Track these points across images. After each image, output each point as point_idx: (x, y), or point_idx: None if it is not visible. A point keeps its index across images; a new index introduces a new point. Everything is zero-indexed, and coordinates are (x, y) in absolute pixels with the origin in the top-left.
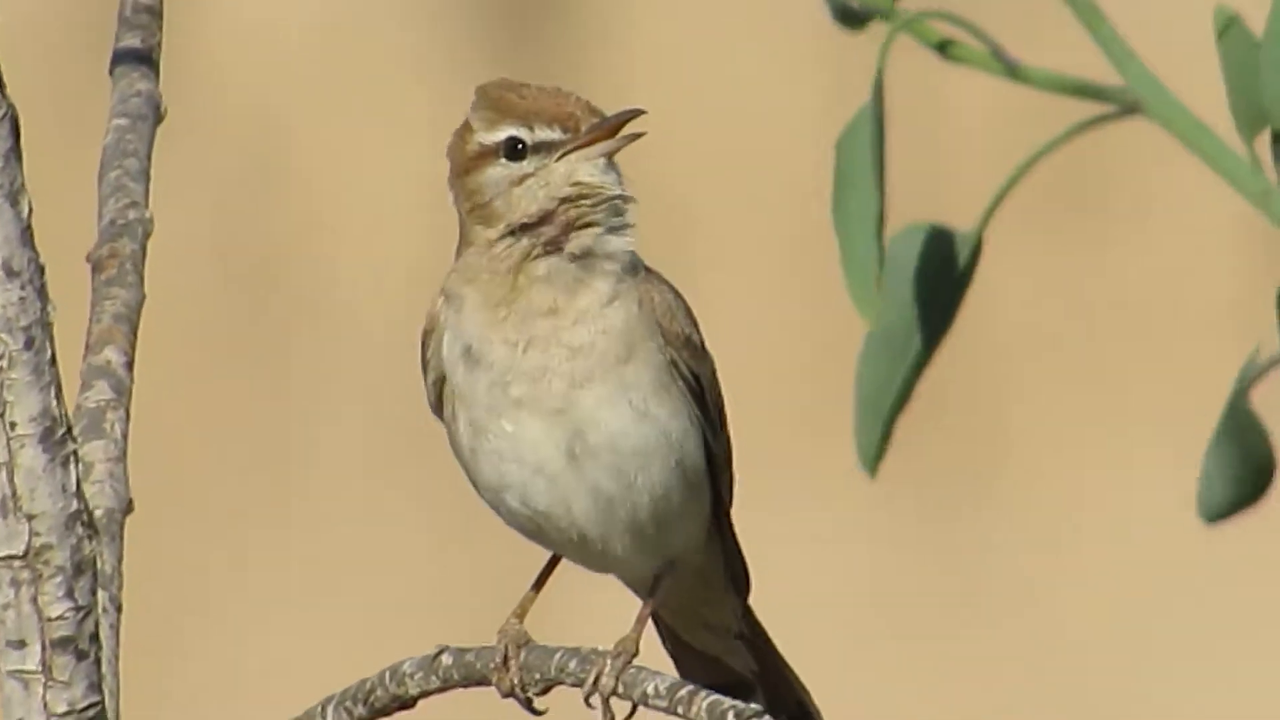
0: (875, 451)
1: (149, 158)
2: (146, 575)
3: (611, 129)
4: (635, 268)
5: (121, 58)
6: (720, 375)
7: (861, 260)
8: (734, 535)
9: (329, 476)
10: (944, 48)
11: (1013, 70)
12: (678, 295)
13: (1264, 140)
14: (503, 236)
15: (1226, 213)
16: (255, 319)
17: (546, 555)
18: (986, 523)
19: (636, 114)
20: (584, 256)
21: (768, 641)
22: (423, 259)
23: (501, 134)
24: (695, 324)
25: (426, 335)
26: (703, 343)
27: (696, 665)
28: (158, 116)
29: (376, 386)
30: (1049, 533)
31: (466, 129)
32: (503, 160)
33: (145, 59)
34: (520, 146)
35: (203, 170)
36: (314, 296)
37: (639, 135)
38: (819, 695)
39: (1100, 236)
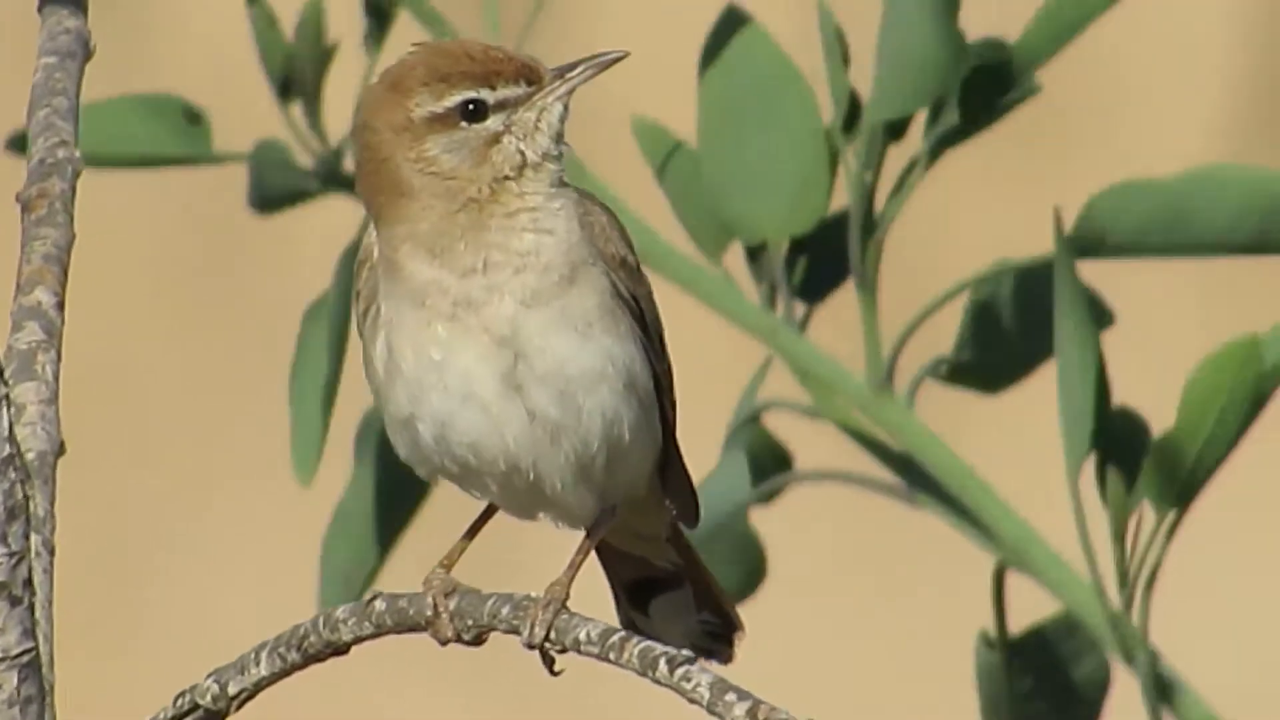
0: None
1: (78, 96)
2: (79, 518)
3: (598, 68)
4: (567, 189)
5: None
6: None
7: (308, 429)
8: (681, 460)
9: (262, 419)
10: None
11: None
12: (613, 216)
13: (735, 256)
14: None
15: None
16: (192, 260)
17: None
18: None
19: (621, 56)
20: (523, 186)
21: (687, 542)
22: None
23: (456, 98)
24: (630, 246)
25: (360, 265)
26: (638, 264)
27: (622, 563)
28: (87, 54)
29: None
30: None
31: (397, 98)
32: (461, 124)
33: None
34: (477, 107)
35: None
36: (255, 232)
37: (619, 56)
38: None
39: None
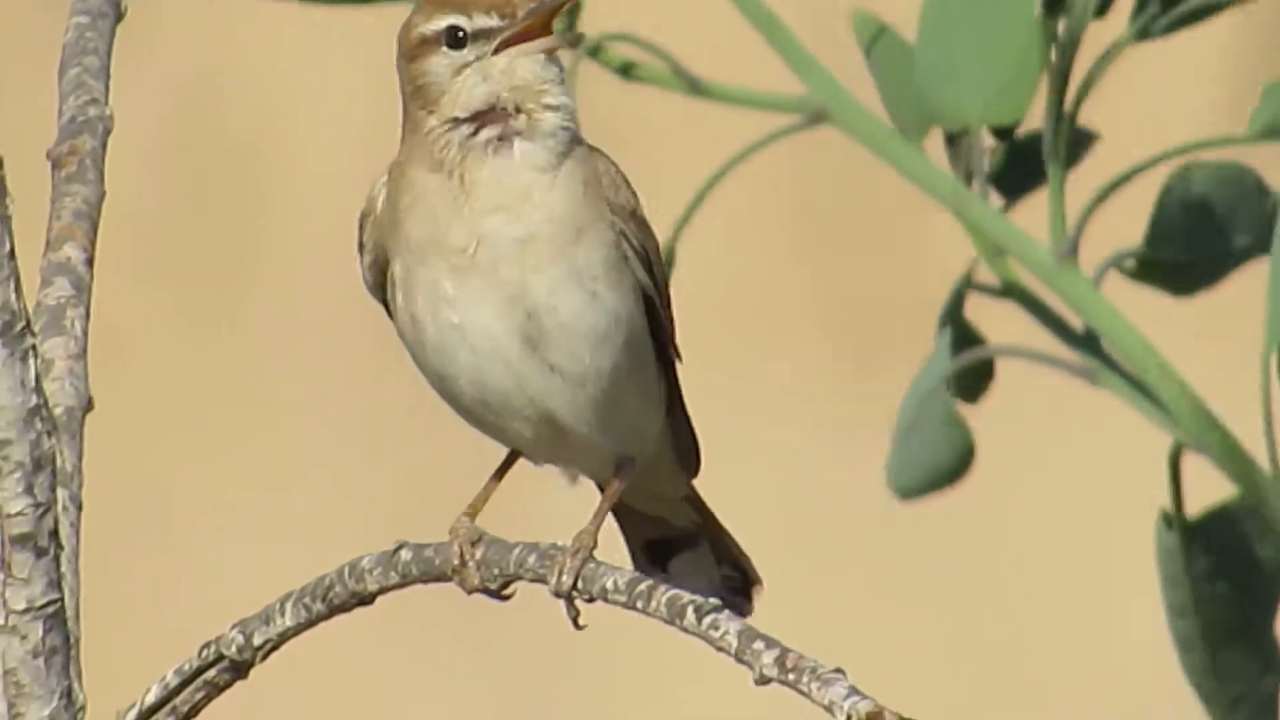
0: None
1: (109, 55)
2: (106, 474)
3: (547, 14)
4: (576, 144)
5: None
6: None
7: None
8: (686, 415)
9: (286, 377)
10: (626, 70)
11: (694, 86)
12: (619, 169)
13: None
14: (444, 127)
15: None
16: (211, 220)
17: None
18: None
19: (570, 1)
20: (525, 141)
21: (703, 503)
22: (379, 162)
23: (441, 22)
24: (637, 198)
25: (364, 218)
26: (645, 217)
27: (640, 524)
28: (118, 14)
29: (335, 287)
30: (1005, 468)
31: (410, 18)
32: (444, 49)
33: None
34: (460, 35)
35: (159, 70)
36: (273, 197)
37: (579, 37)
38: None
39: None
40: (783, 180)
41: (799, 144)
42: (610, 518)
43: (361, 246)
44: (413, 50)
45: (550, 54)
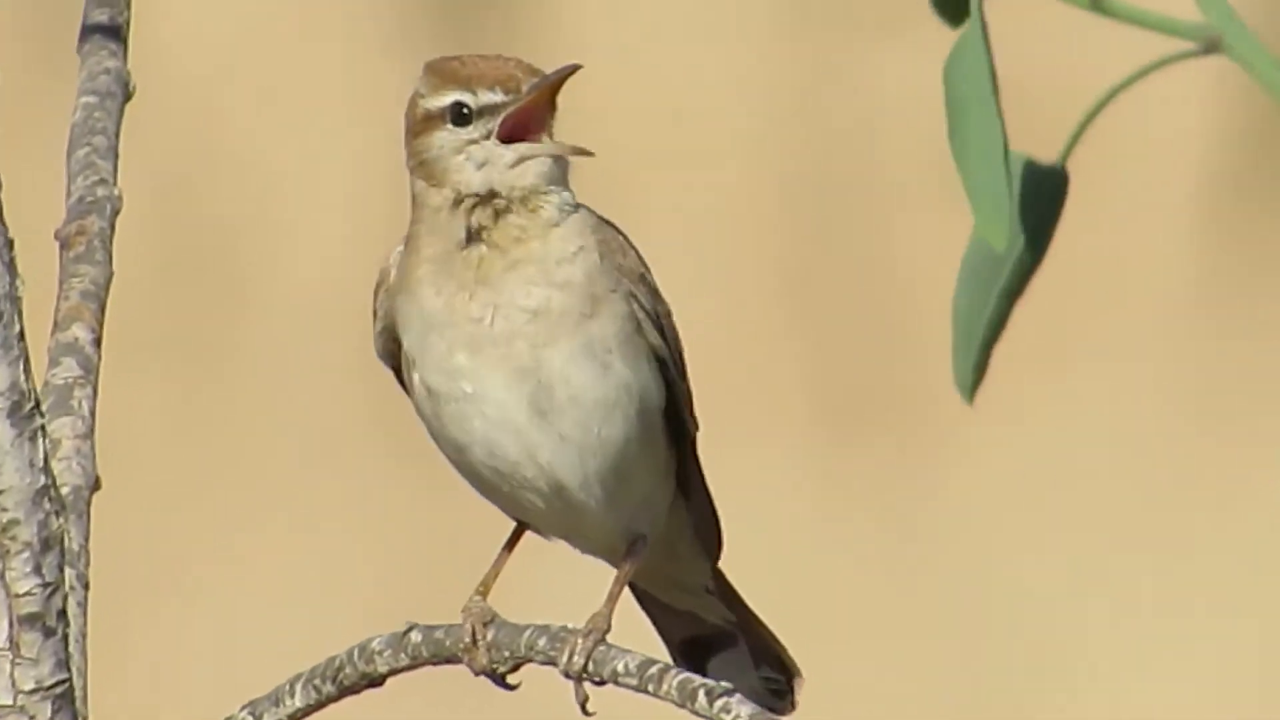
0: (972, 379)
1: (117, 135)
2: (112, 553)
3: (550, 89)
4: (583, 214)
5: (90, 34)
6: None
7: (989, 186)
8: (708, 494)
9: (283, 456)
10: None
11: (1096, 4)
12: (628, 239)
13: None
14: (451, 202)
15: (1167, 186)
16: (198, 299)
17: (501, 529)
18: (932, 510)
19: (573, 70)
20: (533, 217)
21: (736, 595)
22: (356, 242)
23: (446, 99)
24: (646, 266)
25: (378, 287)
26: (656, 285)
27: (673, 621)
28: (126, 94)
29: (328, 359)
30: (995, 528)
31: (417, 94)
32: (449, 125)
33: (114, 35)
34: (465, 111)
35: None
36: (259, 276)
37: (585, 152)
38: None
39: None
40: (771, 248)
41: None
42: (646, 617)
43: (375, 314)
44: (418, 125)
45: (556, 161)
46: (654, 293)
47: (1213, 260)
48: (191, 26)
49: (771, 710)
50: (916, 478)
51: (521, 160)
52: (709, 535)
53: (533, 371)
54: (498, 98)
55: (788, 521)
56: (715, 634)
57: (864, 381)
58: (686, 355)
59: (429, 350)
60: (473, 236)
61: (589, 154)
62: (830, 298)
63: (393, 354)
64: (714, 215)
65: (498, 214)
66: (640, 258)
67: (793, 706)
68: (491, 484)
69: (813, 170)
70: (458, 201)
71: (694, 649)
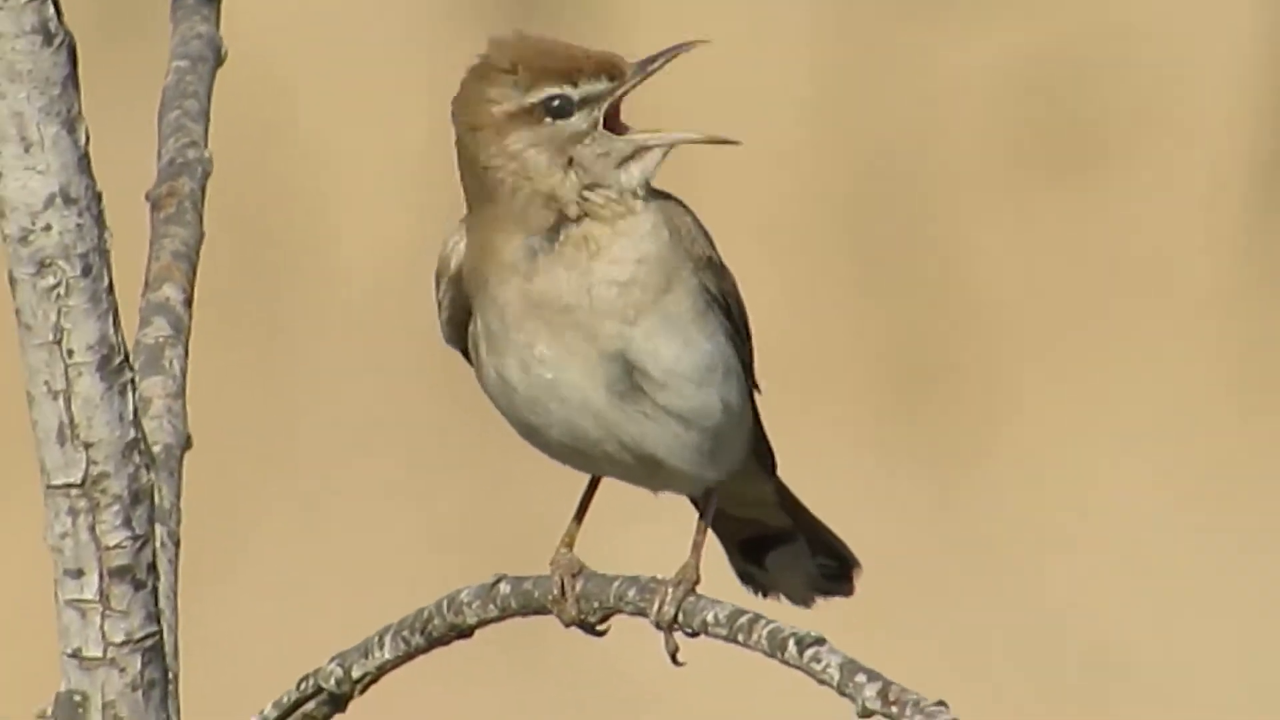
0: None
1: (209, 99)
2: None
3: (657, 60)
4: (654, 197)
5: None
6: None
7: None
8: (762, 430)
9: (359, 413)
10: None
11: None
12: (694, 218)
13: None
14: (546, 197)
15: (1221, 170)
16: (251, 271)
17: (566, 488)
18: (984, 488)
19: (689, 46)
20: (620, 199)
21: (797, 501)
22: (419, 217)
23: (543, 92)
24: (713, 244)
25: (439, 276)
26: (722, 261)
27: (733, 525)
28: (218, 59)
29: (395, 325)
30: (1047, 501)
31: (485, 88)
32: (546, 119)
33: (207, 1)
34: (562, 103)
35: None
36: (311, 251)
37: (725, 140)
38: None
39: (1097, 201)
40: (834, 226)
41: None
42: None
43: (439, 304)
44: (503, 124)
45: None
46: (720, 269)
47: (1261, 244)
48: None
49: (829, 593)
50: (973, 448)
51: (638, 151)
52: (766, 458)
53: (617, 351)
54: (602, 85)
55: (847, 488)
56: (775, 532)
57: (924, 355)
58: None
59: (505, 338)
60: (562, 225)
61: (704, 41)
62: (892, 274)
63: (460, 340)
64: (778, 198)
65: (587, 200)
66: (706, 234)
67: (851, 589)
68: (567, 459)
69: (876, 148)
70: (551, 195)
71: (753, 546)
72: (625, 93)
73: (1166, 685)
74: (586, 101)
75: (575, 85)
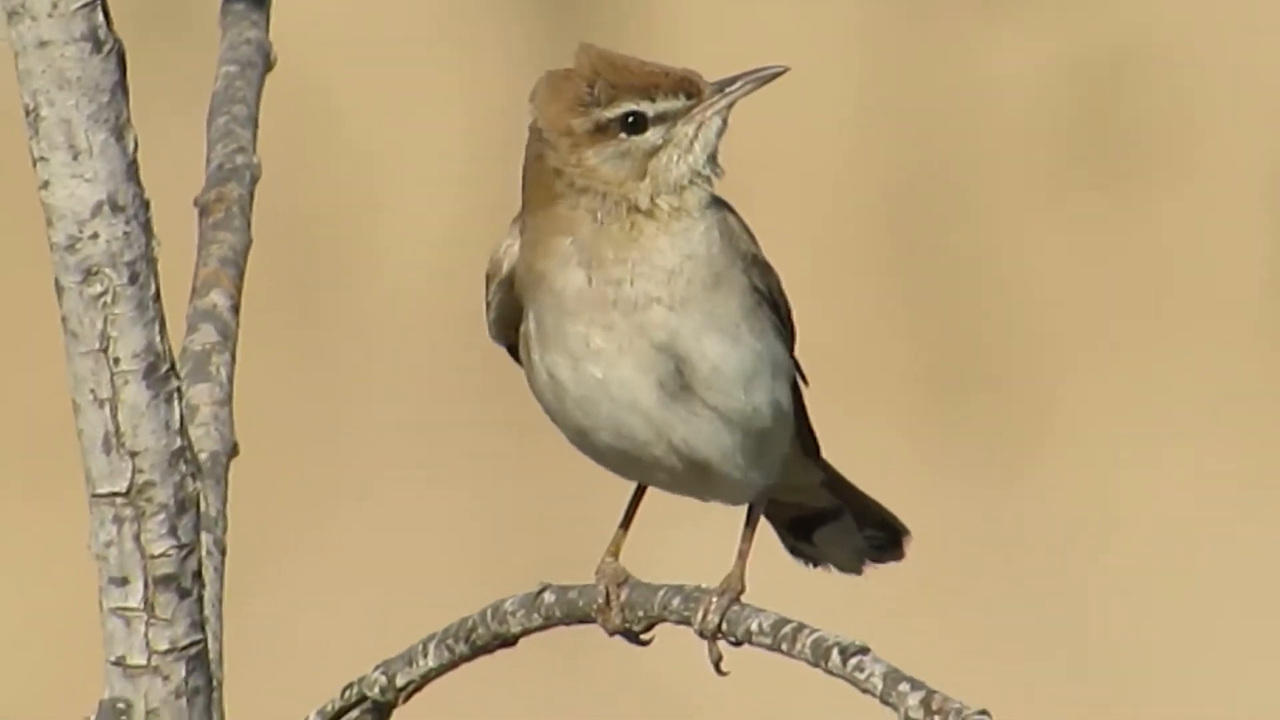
0: None
1: (257, 104)
2: (242, 517)
3: (758, 82)
4: (708, 196)
5: (232, 3)
6: None
7: None
8: (808, 420)
9: (401, 423)
10: None
11: None
12: (740, 218)
13: None
14: (616, 206)
15: (1264, 175)
16: (297, 276)
17: (609, 495)
18: (1029, 492)
19: (771, 72)
20: (669, 201)
21: (844, 481)
22: (463, 218)
23: (618, 110)
24: (757, 243)
25: (490, 278)
26: (766, 260)
27: (780, 508)
28: (267, 64)
29: (441, 327)
30: (1090, 504)
31: (565, 98)
32: (621, 135)
33: (257, 5)
34: (637, 119)
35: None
36: (356, 257)
37: (775, 74)
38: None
39: (1141, 205)
40: (877, 230)
41: (899, 195)
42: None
43: (488, 305)
44: (580, 137)
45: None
46: (766, 268)
47: None
48: (294, 5)
49: (880, 561)
50: (1018, 453)
51: (700, 129)
52: (811, 444)
53: (666, 347)
54: (679, 103)
55: (892, 494)
56: (821, 511)
57: (968, 360)
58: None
59: (558, 334)
60: (619, 223)
61: (785, 69)
62: (937, 280)
63: (508, 337)
64: (822, 203)
65: (652, 201)
66: (751, 235)
67: (901, 555)
68: (616, 464)
69: (921, 154)
70: (623, 198)
71: (801, 524)
72: (701, 112)
73: (1212, 686)
74: (662, 119)
75: (653, 101)
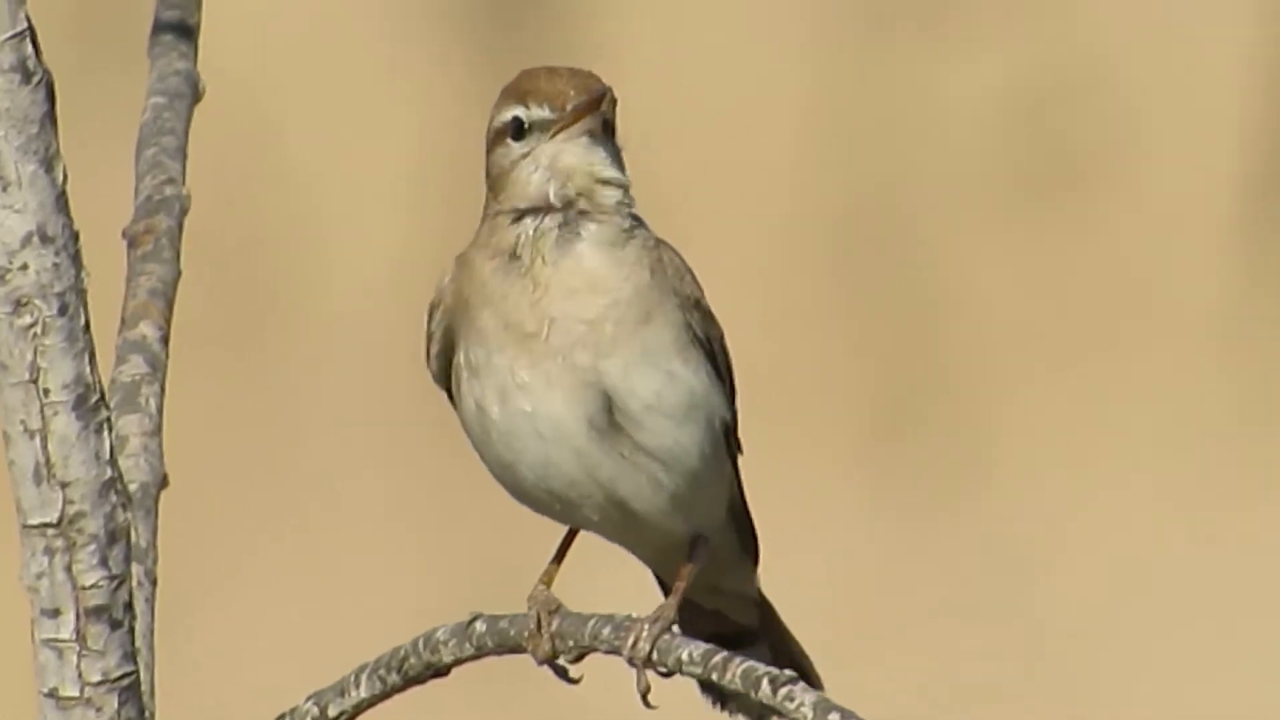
0: None
1: (186, 136)
2: (173, 549)
3: (589, 105)
4: (639, 227)
5: (161, 34)
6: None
7: None
8: (746, 505)
9: (337, 453)
10: None
11: None
12: (684, 261)
13: None
14: (510, 215)
15: (1212, 194)
16: (237, 304)
17: (548, 529)
18: (976, 519)
19: (604, 93)
20: (589, 224)
21: (768, 602)
22: (407, 246)
23: (508, 114)
24: (701, 290)
25: (433, 308)
26: (710, 309)
27: (698, 616)
28: (195, 95)
29: (382, 354)
30: (1037, 528)
31: (494, 107)
32: (509, 140)
33: (185, 37)
34: (522, 125)
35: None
36: (298, 282)
37: (605, 113)
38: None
39: (1085, 216)
40: (827, 241)
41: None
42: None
43: (430, 336)
44: (490, 142)
45: (592, 135)
46: (707, 316)
47: (1256, 264)
48: (242, 27)
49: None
50: (965, 473)
51: (558, 148)
52: (749, 543)
53: (595, 385)
54: (546, 113)
55: (839, 518)
56: (739, 631)
57: (916, 379)
58: (736, 367)
59: (485, 366)
60: (524, 250)
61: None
62: (883, 298)
63: (448, 376)
64: (768, 220)
65: (557, 227)
66: (695, 281)
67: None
68: (540, 501)
69: (867, 172)
70: (518, 213)
71: (717, 644)
72: (562, 126)
73: (1161, 710)
74: (535, 127)
75: (528, 109)
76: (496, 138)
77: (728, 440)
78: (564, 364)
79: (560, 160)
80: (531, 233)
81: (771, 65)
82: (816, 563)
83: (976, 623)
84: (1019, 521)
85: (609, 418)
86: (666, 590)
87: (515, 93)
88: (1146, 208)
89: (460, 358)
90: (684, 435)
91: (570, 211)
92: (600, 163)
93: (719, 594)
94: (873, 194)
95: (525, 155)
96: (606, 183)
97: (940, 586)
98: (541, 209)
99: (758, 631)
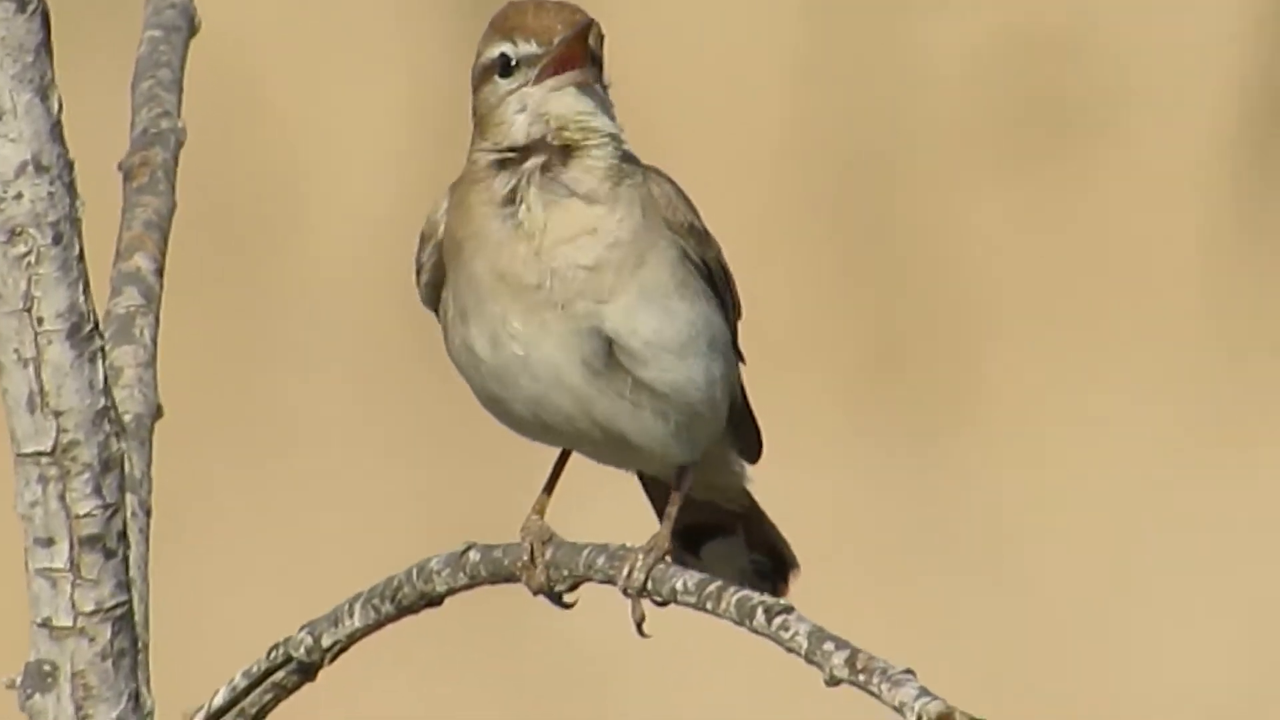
0: None
1: (182, 69)
2: (168, 479)
3: (576, 38)
4: (631, 166)
5: None
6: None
7: None
8: (749, 408)
9: (332, 384)
10: None
11: None
12: (675, 186)
13: None
14: (495, 155)
15: (1202, 149)
16: (225, 242)
17: (538, 460)
18: (958, 456)
19: (588, 24)
20: (576, 170)
21: (754, 503)
22: (401, 180)
23: (495, 50)
24: (695, 211)
25: (425, 239)
26: (705, 228)
27: (690, 507)
28: (191, 28)
29: (356, 304)
30: (1025, 475)
31: (481, 41)
32: (496, 77)
33: None
34: (509, 62)
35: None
36: (284, 222)
37: (592, 48)
38: None
39: (1073, 170)
40: (818, 197)
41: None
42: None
43: (421, 266)
44: (477, 79)
45: (581, 86)
46: (702, 238)
47: (1245, 222)
48: None
49: (759, 589)
50: (951, 421)
51: (545, 95)
52: (751, 445)
53: (596, 329)
54: (533, 49)
55: (823, 460)
56: (715, 522)
57: (904, 331)
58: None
59: (477, 311)
60: (518, 194)
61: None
62: (873, 250)
63: (438, 301)
64: (759, 178)
65: (544, 169)
66: (688, 204)
67: (782, 591)
68: (531, 432)
69: (857, 129)
70: (503, 157)
71: (689, 534)
72: (550, 59)
73: (1145, 653)
74: (523, 63)
75: (515, 45)
76: (484, 74)
77: (733, 359)
78: (563, 313)
79: (547, 107)
80: (525, 180)
81: (763, 16)
82: (800, 495)
83: (960, 561)
84: (1005, 464)
85: (607, 358)
86: (657, 508)
87: (502, 28)
88: (1135, 158)
89: (449, 294)
90: (686, 368)
91: (559, 155)
92: (588, 112)
93: (713, 489)
94: (864, 142)
95: (512, 92)
96: (595, 131)
97: (926, 524)
98: (526, 151)
99: (735, 522)
